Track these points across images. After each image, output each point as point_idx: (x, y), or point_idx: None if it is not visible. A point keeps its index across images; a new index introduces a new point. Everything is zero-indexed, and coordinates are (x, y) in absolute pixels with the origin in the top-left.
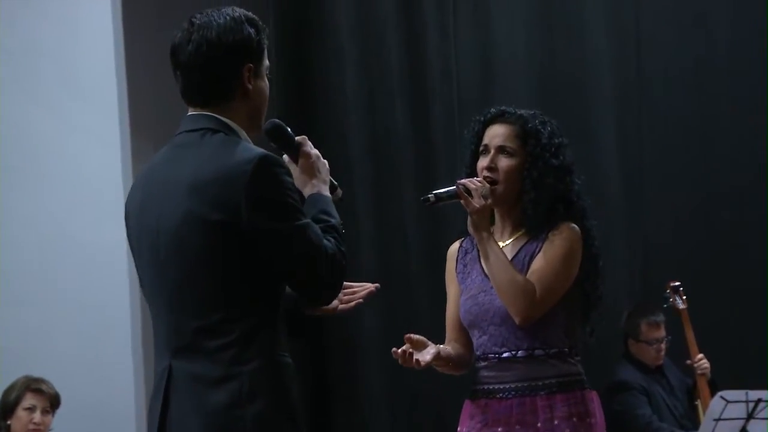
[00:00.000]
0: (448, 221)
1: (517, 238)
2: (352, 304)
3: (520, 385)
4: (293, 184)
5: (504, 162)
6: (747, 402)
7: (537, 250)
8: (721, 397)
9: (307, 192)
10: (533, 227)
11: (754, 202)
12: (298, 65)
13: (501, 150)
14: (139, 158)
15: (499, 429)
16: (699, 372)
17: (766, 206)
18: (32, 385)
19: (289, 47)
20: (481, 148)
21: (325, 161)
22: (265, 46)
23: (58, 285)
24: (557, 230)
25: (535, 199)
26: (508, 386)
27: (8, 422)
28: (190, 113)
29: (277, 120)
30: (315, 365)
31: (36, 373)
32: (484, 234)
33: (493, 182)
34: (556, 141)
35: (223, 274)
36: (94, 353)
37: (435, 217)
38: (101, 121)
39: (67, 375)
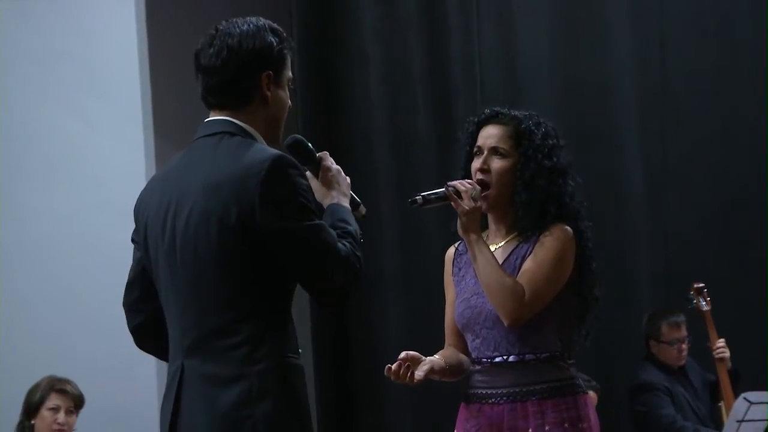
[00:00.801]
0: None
1: (509, 240)
2: None
3: (511, 390)
4: (308, 186)
5: (497, 163)
6: None
7: (528, 252)
8: (745, 399)
9: (326, 203)
10: (524, 228)
11: None
12: (321, 69)
13: (494, 151)
14: (162, 160)
15: None
16: (717, 357)
17: None
18: (56, 386)
19: (312, 51)
20: (474, 150)
21: (347, 177)
22: (288, 56)
23: (79, 286)
24: (548, 232)
25: (526, 201)
26: (499, 392)
27: (32, 422)
28: (207, 119)
29: (299, 135)
30: (339, 372)
31: (58, 375)
32: (473, 236)
33: (484, 186)
34: (550, 142)
35: (236, 274)
36: (116, 354)
37: None
38: (125, 123)
39: (89, 376)
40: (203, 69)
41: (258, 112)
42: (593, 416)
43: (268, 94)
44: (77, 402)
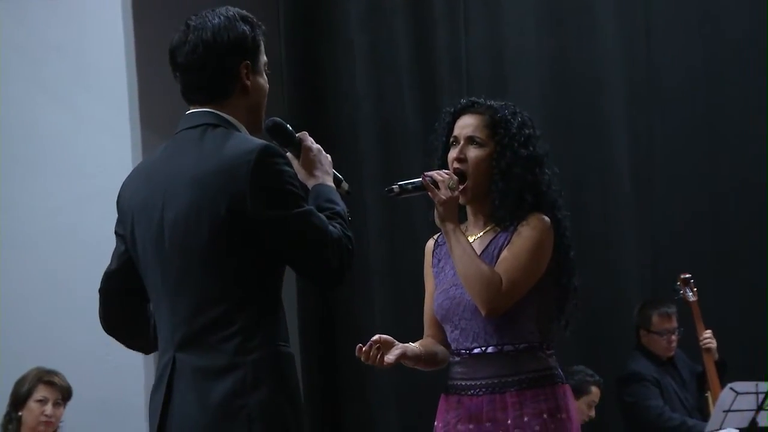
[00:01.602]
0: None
1: (487, 231)
2: None
3: (490, 382)
4: (295, 174)
5: (473, 152)
6: (757, 393)
7: (506, 242)
8: (731, 389)
9: (310, 184)
10: (502, 218)
11: (762, 199)
12: (307, 59)
13: (470, 141)
14: (149, 151)
15: (471, 426)
16: (704, 347)
17: None
18: (44, 377)
19: (298, 41)
20: (451, 140)
21: (328, 155)
22: (262, 41)
23: (68, 279)
24: (526, 221)
25: (503, 189)
26: (478, 383)
27: (20, 414)
28: (189, 111)
29: (278, 118)
30: (325, 360)
31: (46, 367)
32: (450, 226)
33: (461, 176)
34: (526, 131)
35: (228, 265)
36: (104, 347)
37: None
38: (112, 115)
39: (77, 369)
40: (180, 67)
41: (239, 102)
42: (572, 406)
43: (248, 83)
44: (65, 394)
